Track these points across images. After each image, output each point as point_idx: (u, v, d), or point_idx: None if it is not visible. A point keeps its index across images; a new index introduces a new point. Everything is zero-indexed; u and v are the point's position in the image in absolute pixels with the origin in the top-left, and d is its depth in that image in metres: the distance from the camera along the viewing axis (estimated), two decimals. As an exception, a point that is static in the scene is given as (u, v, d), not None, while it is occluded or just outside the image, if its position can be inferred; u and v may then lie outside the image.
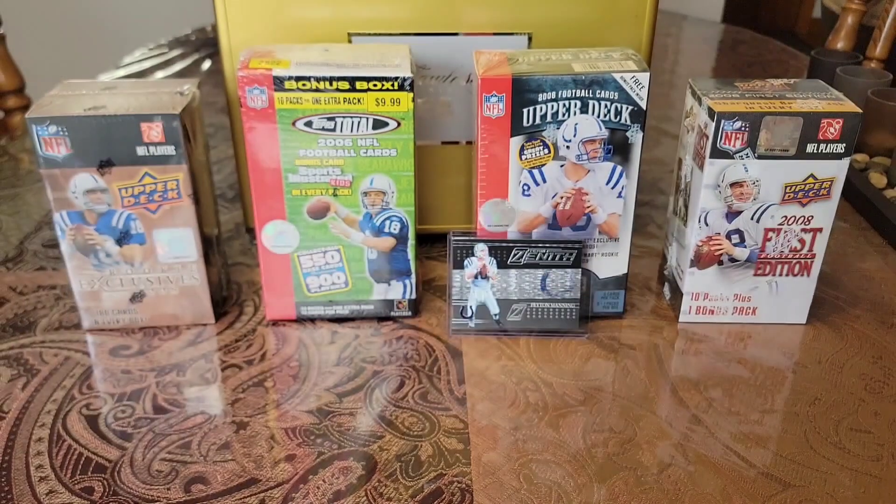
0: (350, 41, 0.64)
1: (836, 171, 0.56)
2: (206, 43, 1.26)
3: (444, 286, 0.67)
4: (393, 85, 0.53)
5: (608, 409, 0.53)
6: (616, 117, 0.55)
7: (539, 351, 0.59)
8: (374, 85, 0.53)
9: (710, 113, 0.55)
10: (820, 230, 0.58)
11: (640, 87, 0.54)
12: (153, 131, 0.53)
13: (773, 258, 0.59)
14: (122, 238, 0.56)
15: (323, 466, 0.48)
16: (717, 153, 0.55)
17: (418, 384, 0.55)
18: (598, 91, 0.54)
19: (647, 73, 0.54)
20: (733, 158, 0.55)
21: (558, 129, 0.55)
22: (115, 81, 0.59)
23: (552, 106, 0.55)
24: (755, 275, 0.60)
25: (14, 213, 0.78)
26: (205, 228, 0.59)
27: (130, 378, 0.55)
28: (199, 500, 0.45)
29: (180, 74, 1.15)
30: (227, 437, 0.50)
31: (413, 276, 0.61)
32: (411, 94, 0.54)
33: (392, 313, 0.62)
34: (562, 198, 0.58)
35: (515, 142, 0.56)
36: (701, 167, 0.56)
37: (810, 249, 0.59)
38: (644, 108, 0.56)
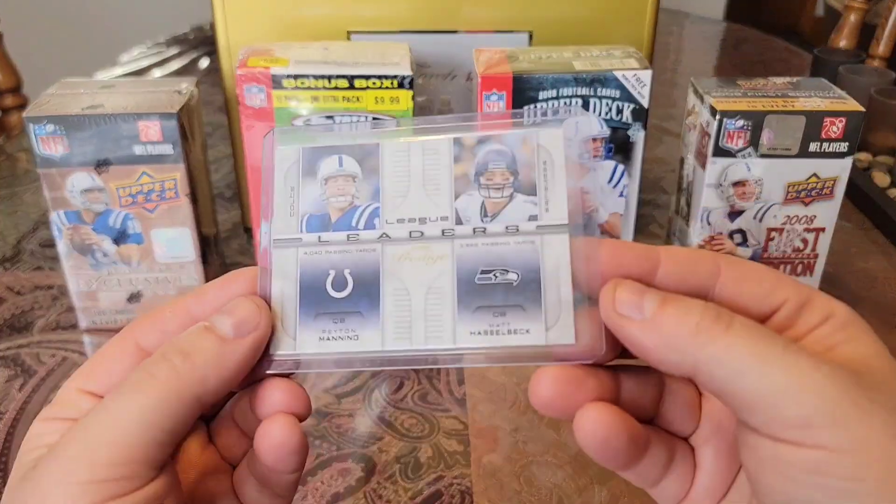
0: (349, 39, 0.63)
1: (838, 170, 0.55)
2: (204, 41, 1.26)
3: (444, 286, 0.66)
4: (392, 83, 0.53)
5: (609, 410, 0.53)
6: (617, 116, 0.55)
7: (540, 351, 0.58)
8: (374, 83, 0.53)
9: (713, 111, 0.54)
10: (823, 230, 0.58)
11: (641, 85, 0.54)
12: (151, 130, 0.53)
13: (775, 258, 0.59)
14: (120, 238, 0.56)
15: (321, 468, 0.48)
16: (720, 152, 0.55)
17: (418, 385, 0.55)
18: (600, 89, 0.54)
19: (649, 71, 0.54)
20: (736, 157, 0.55)
21: (559, 127, 0.55)
22: (112, 80, 0.59)
23: (553, 104, 0.54)
24: (758, 275, 0.59)
25: (11, 212, 0.78)
26: (203, 228, 0.58)
27: (128, 379, 0.55)
28: (197, 502, 0.45)
29: (178, 73, 1.14)
30: (225, 438, 0.50)
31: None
32: (411, 93, 0.54)
33: (392, 313, 0.62)
34: (563, 197, 0.57)
35: (516, 141, 0.55)
36: (703, 166, 0.56)
37: (813, 249, 0.58)
38: (646, 106, 0.55)
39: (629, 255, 0.26)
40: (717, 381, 0.23)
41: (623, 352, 0.27)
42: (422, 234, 0.28)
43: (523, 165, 0.29)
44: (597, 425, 0.25)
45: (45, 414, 0.27)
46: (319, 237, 0.29)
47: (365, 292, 0.28)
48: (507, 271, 0.27)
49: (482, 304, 0.27)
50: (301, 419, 0.27)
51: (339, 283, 0.28)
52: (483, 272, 0.28)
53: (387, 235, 0.28)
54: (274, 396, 0.27)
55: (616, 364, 0.27)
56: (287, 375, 0.28)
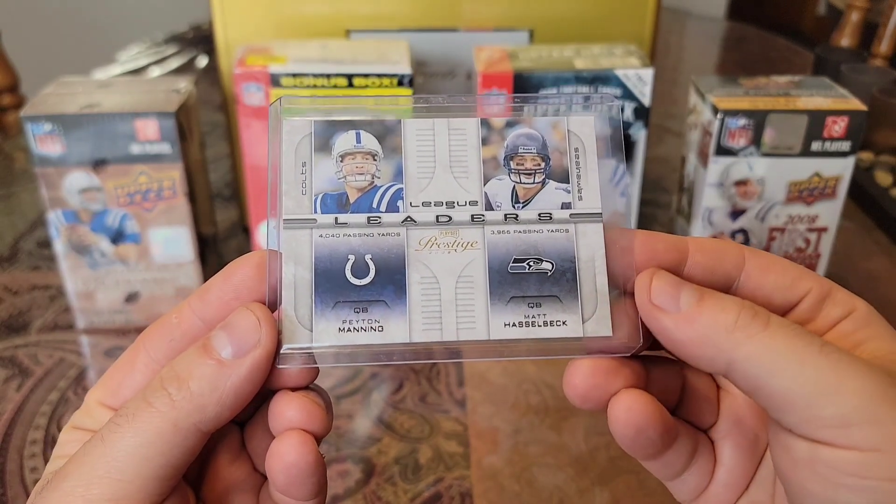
0: (348, 37, 0.63)
1: (841, 169, 0.55)
2: (202, 39, 1.26)
3: (443, 286, 0.66)
4: (391, 82, 0.53)
5: (610, 411, 0.52)
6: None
7: (540, 352, 0.58)
8: (373, 82, 0.53)
9: (714, 110, 0.54)
10: (825, 230, 0.57)
11: (643, 83, 0.54)
12: (148, 129, 0.52)
13: (777, 258, 0.58)
14: (117, 237, 0.56)
15: (320, 470, 0.47)
16: (722, 151, 0.54)
17: (417, 386, 0.54)
18: (601, 88, 0.53)
19: (651, 70, 0.54)
20: (737, 156, 0.54)
21: (560, 126, 0.55)
22: (110, 79, 0.59)
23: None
24: (760, 275, 0.59)
25: (8, 212, 0.77)
26: (201, 227, 0.58)
27: (126, 379, 0.55)
28: None
29: (176, 72, 1.14)
30: (223, 439, 0.49)
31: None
32: (410, 91, 0.53)
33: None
34: (563, 196, 0.57)
35: (516, 140, 0.55)
36: (705, 165, 0.56)
37: (815, 249, 0.58)
38: (647, 105, 0.55)
39: (660, 245, 0.26)
40: (752, 380, 0.23)
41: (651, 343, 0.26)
42: (450, 218, 0.27)
43: (554, 151, 0.28)
44: (632, 413, 0.24)
45: (71, 422, 0.26)
46: (336, 219, 0.26)
47: (389, 280, 0.26)
48: (542, 260, 0.27)
49: (516, 295, 0.26)
50: (318, 437, 0.25)
51: (360, 270, 0.26)
52: (516, 260, 0.26)
53: (411, 219, 0.27)
54: (287, 414, 0.25)
55: (642, 354, 0.27)
56: (305, 384, 0.26)
